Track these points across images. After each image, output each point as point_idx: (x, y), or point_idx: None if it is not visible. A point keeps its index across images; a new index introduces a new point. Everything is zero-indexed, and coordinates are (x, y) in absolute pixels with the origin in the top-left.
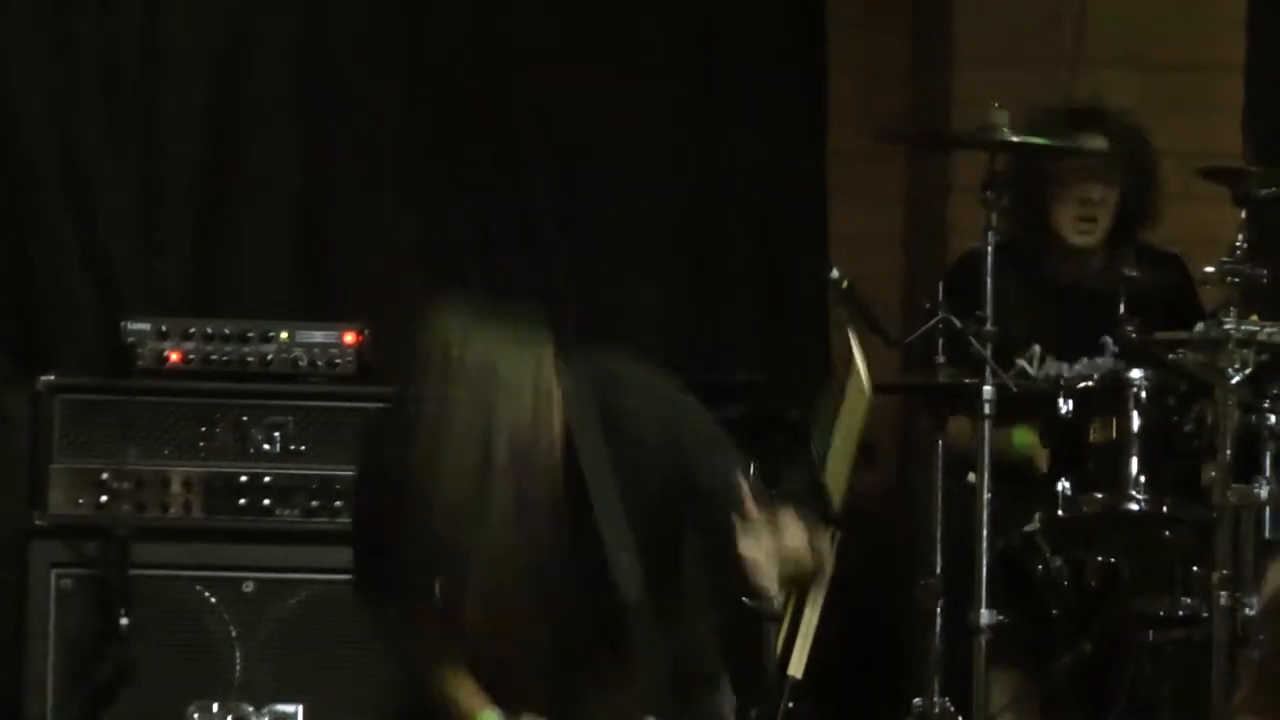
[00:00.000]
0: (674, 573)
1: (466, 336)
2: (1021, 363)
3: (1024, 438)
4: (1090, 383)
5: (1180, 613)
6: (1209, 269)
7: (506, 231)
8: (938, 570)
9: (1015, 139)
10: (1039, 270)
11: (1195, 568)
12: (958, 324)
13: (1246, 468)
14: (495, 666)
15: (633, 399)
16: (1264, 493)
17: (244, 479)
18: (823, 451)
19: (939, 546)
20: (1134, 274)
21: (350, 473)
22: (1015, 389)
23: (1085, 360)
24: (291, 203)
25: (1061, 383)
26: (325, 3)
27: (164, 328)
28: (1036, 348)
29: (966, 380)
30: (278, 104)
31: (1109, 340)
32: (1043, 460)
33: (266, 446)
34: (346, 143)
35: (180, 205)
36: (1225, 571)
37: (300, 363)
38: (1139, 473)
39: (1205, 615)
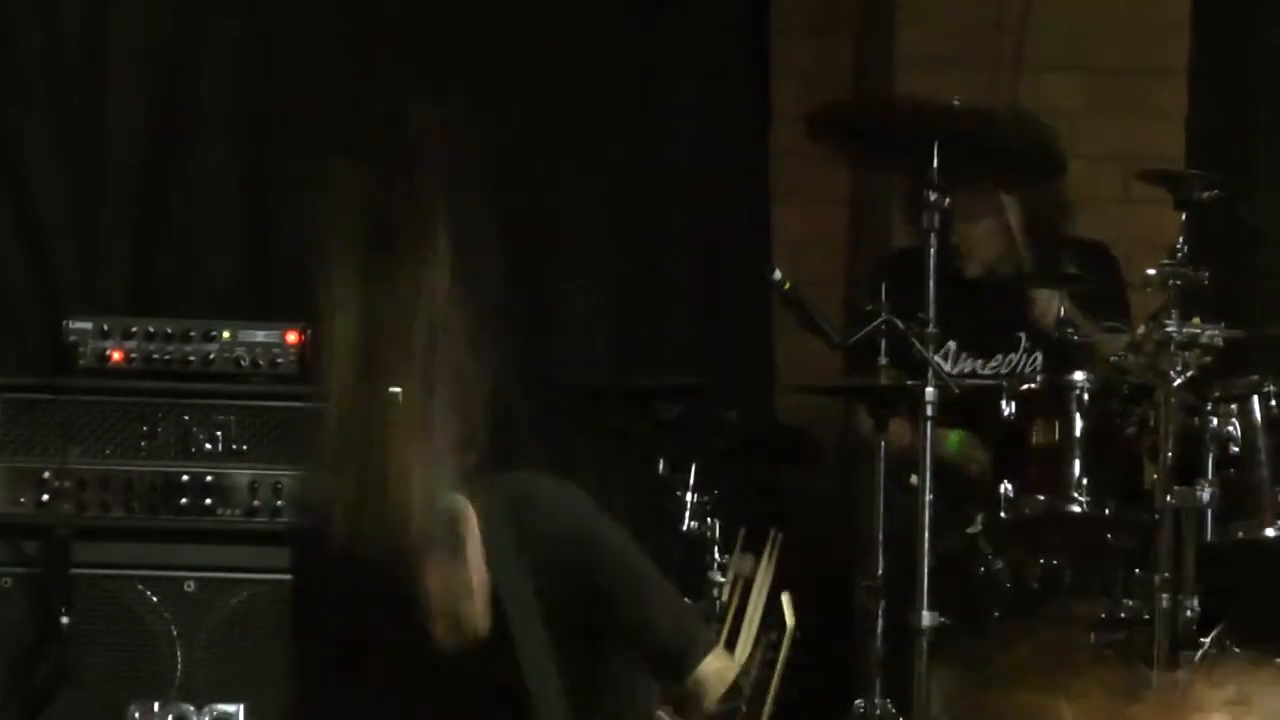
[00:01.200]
0: (594, 691)
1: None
2: (937, 359)
3: (956, 442)
4: (1033, 385)
5: (1121, 615)
6: (1150, 271)
7: None
8: (879, 572)
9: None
10: (953, 266)
11: (1137, 570)
12: (900, 325)
13: (1188, 470)
14: None
15: (547, 520)
16: (1205, 495)
17: (185, 478)
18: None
19: (880, 548)
20: (1073, 271)
21: (292, 472)
22: (958, 390)
23: (999, 356)
24: (234, 202)
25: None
26: (269, 3)
27: (106, 327)
28: (951, 344)
29: (909, 382)
30: (220, 103)
31: (1023, 335)
32: (977, 466)
33: (208, 446)
34: (289, 143)
35: (122, 205)
36: (1166, 574)
37: (242, 362)
38: (1081, 475)
39: (1147, 618)
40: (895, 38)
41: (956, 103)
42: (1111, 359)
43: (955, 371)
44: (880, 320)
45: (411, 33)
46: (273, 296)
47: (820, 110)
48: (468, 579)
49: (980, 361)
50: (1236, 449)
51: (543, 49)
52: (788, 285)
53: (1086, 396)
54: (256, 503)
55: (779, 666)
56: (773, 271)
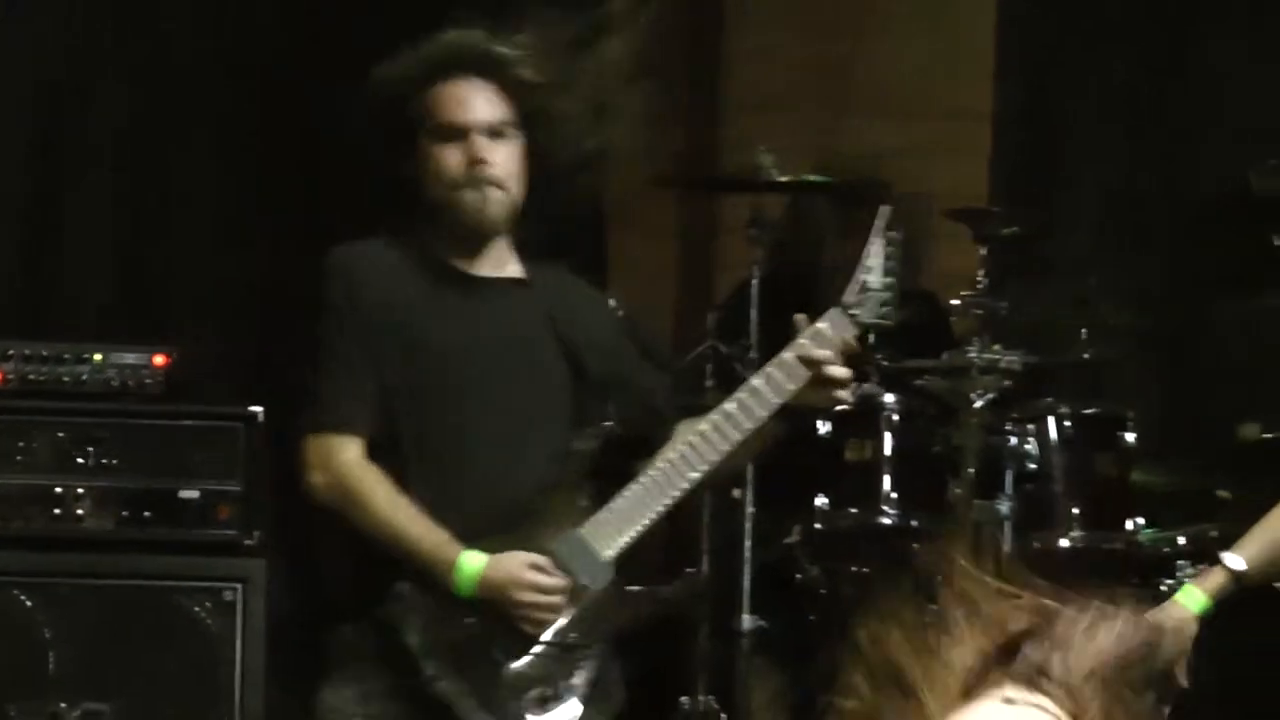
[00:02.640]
0: None
1: None
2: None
3: None
4: (847, 406)
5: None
6: (955, 302)
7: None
8: (703, 576)
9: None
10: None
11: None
12: (724, 350)
13: (989, 485)
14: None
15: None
16: (1005, 508)
17: (59, 490)
18: None
19: (705, 556)
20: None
21: (157, 486)
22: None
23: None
24: (107, 230)
25: None
26: (147, 32)
27: None
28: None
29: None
30: (103, 132)
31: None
32: None
33: (80, 460)
34: (167, 174)
35: (4, 232)
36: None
37: (113, 383)
38: (891, 489)
39: None
40: (721, 82)
41: (772, 173)
42: (918, 382)
43: None
44: (705, 345)
45: (289, 74)
46: (142, 320)
47: (652, 178)
48: None
49: None
50: (1034, 466)
51: None
52: (620, 314)
53: (896, 417)
54: (125, 513)
55: None
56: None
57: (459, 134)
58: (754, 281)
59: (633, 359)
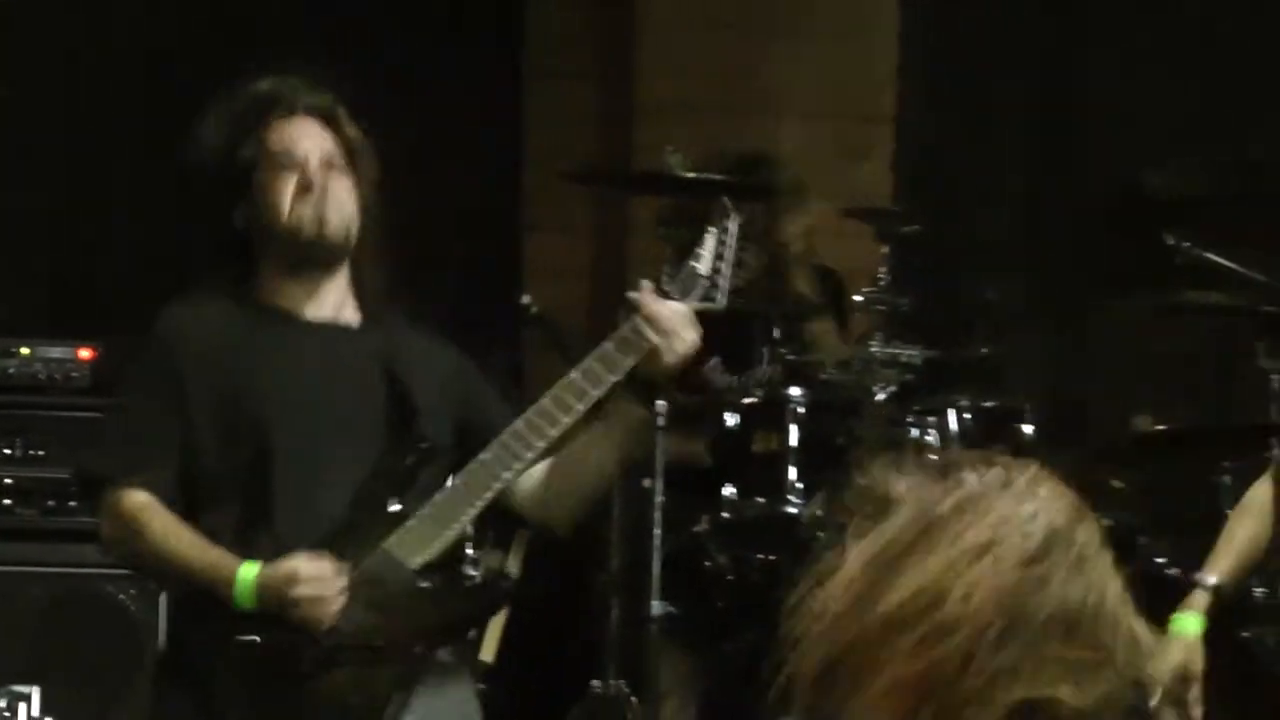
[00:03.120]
0: None
1: None
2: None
3: None
4: (755, 399)
5: None
6: (857, 298)
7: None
8: (615, 565)
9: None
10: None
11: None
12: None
13: None
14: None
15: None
16: None
17: None
18: None
19: (616, 544)
20: (805, 292)
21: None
22: (680, 404)
23: (747, 372)
24: (40, 229)
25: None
26: (76, 32)
27: None
28: (715, 359)
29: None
30: (29, 127)
31: (765, 351)
32: None
33: (9, 451)
34: (93, 171)
35: None
36: None
37: (40, 376)
38: (796, 479)
39: None
40: (635, 85)
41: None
42: (822, 376)
43: (723, 385)
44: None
45: (206, 75)
46: (74, 316)
47: (568, 173)
48: None
49: (735, 378)
50: (935, 457)
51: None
52: (535, 310)
53: (801, 410)
54: (52, 503)
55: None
56: (523, 297)
57: (295, 164)
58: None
59: (478, 400)
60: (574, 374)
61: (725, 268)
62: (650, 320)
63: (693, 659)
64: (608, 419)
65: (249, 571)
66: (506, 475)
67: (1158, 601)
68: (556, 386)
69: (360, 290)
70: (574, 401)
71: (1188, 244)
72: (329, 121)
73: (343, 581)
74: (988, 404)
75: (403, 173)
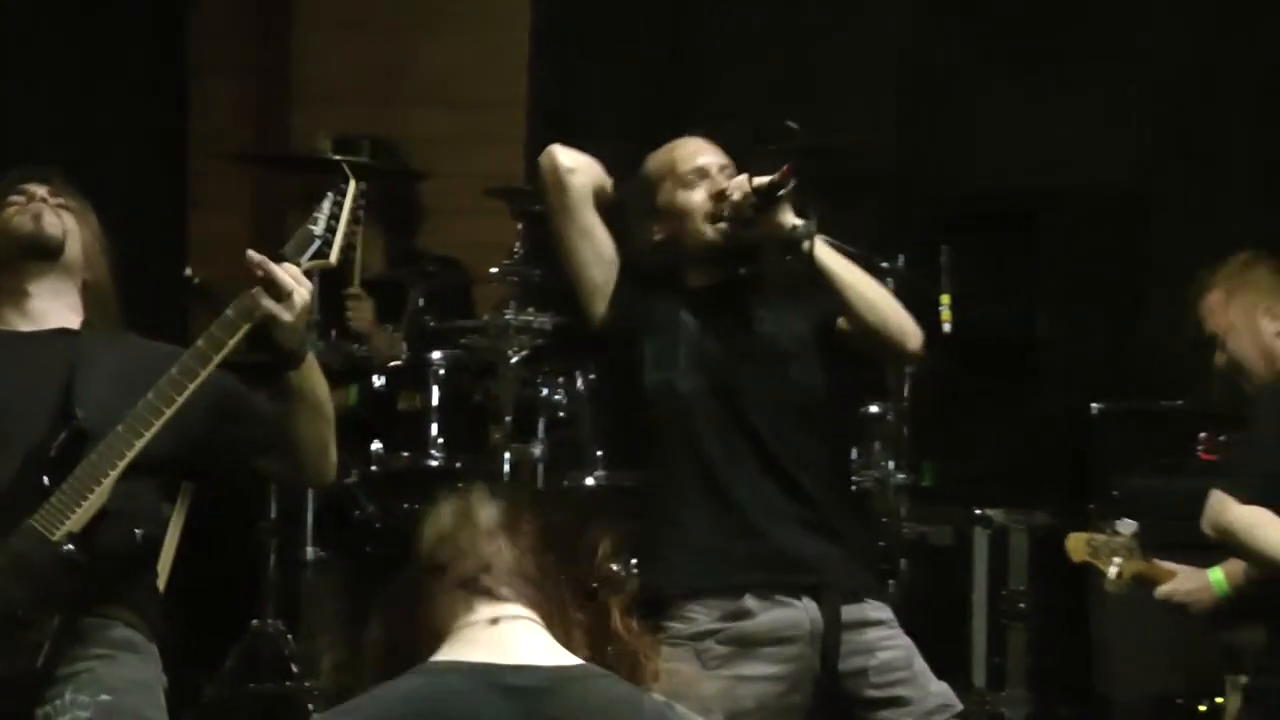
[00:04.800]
0: None
1: None
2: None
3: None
4: (399, 361)
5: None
6: (494, 270)
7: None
8: (273, 514)
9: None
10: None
11: None
12: None
13: (525, 431)
14: None
15: None
16: (538, 450)
17: None
18: None
19: (273, 494)
20: (432, 271)
21: None
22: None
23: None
24: None
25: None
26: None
27: None
28: (389, 327)
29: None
30: None
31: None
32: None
33: None
34: None
35: None
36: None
37: None
38: (438, 435)
39: None
40: (291, 76)
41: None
42: (461, 341)
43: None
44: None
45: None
46: None
47: (227, 154)
48: None
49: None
50: (563, 414)
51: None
52: (197, 281)
53: (442, 371)
54: None
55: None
56: (185, 269)
57: (21, 193)
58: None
59: (223, 404)
60: (199, 341)
61: (340, 226)
62: (265, 283)
63: (343, 600)
64: (281, 395)
65: None
66: (138, 442)
67: None
68: (185, 355)
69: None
70: (198, 367)
71: None
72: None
73: None
74: None
75: (76, 156)
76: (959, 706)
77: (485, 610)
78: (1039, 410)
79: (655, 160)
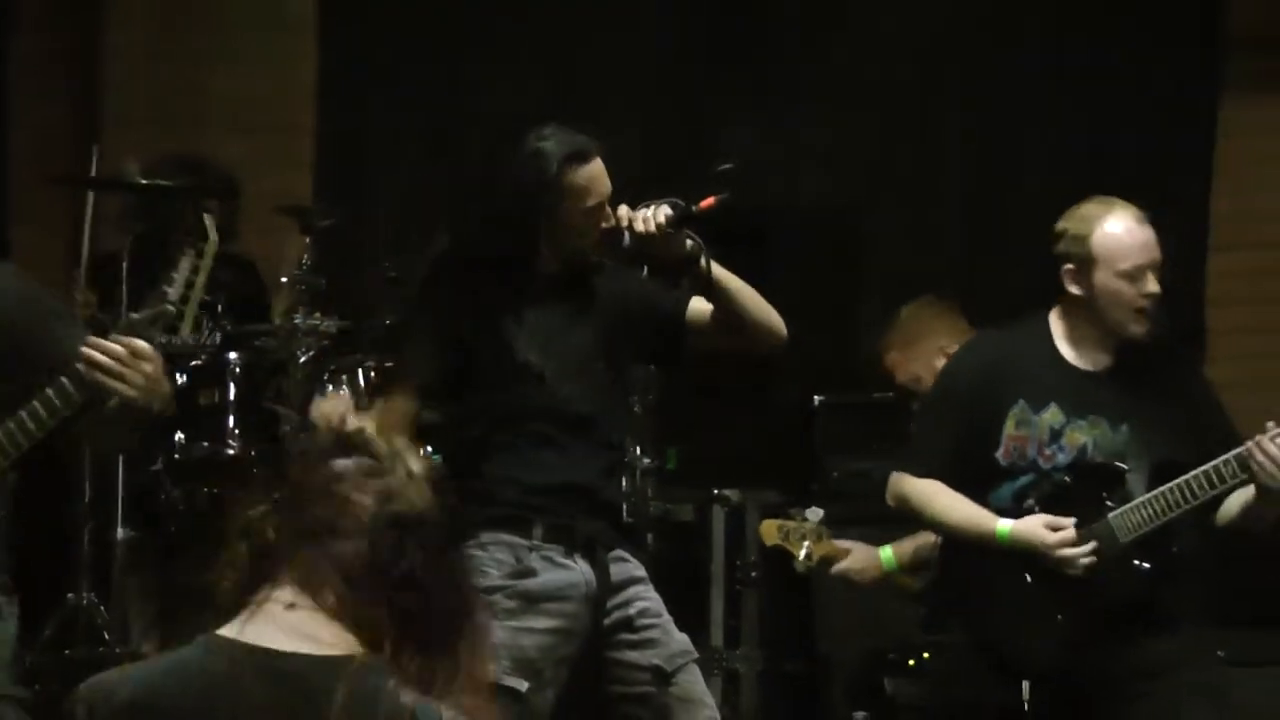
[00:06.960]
0: None
1: None
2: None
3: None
4: (199, 360)
5: None
6: (284, 279)
7: None
8: (87, 498)
9: (143, 183)
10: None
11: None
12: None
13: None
14: None
15: None
16: None
17: None
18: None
19: (88, 477)
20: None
21: None
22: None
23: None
24: None
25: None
26: None
27: None
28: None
29: None
30: None
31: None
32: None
33: None
34: None
35: None
36: None
37: None
38: (234, 427)
39: None
40: (101, 101)
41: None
42: (255, 342)
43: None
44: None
45: None
46: None
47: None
48: None
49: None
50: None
51: None
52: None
53: (238, 370)
54: None
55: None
56: None
57: None
58: (124, 265)
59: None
60: (22, 413)
61: (195, 294)
62: (104, 367)
63: (151, 574)
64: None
65: None
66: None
67: None
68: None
69: None
70: (65, 409)
71: None
72: None
73: None
74: (389, 364)
75: None
76: (696, 654)
77: (287, 594)
78: (770, 402)
79: (563, 168)
